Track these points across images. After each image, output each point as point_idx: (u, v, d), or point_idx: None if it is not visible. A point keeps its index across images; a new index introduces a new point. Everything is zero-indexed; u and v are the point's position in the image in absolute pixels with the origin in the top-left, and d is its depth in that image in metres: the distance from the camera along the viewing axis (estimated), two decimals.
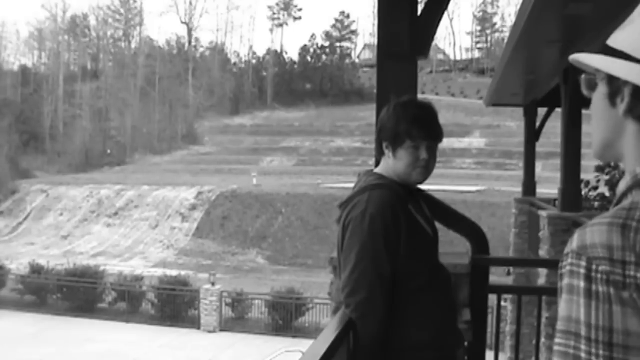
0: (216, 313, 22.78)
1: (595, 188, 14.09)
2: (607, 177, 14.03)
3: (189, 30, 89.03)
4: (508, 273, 13.85)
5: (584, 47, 7.10)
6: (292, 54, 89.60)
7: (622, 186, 1.01)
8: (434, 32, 3.40)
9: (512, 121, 54.82)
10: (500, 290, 3.88)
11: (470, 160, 57.36)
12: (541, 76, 10.08)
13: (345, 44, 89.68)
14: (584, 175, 10.54)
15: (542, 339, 4.09)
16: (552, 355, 0.95)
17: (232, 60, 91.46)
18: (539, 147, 14.25)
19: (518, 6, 7.55)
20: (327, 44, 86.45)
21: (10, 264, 29.65)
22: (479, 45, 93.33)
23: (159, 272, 30.61)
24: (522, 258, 11.54)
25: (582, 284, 0.92)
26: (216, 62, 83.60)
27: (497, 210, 33.90)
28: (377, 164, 2.51)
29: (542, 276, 8.84)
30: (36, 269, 26.44)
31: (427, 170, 2.31)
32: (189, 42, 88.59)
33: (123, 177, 53.38)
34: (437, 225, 2.53)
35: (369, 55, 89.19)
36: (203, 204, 42.55)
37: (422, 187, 2.46)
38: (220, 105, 77.06)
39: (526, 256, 11.84)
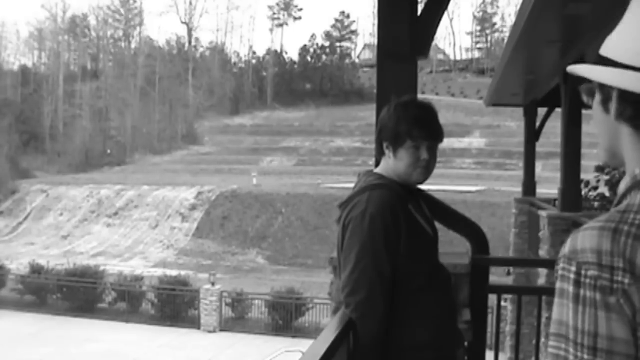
0: (216, 313, 22.78)
1: (595, 188, 14.10)
2: (607, 177, 14.03)
3: (189, 30, 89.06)
4: (508, 273, 13.85)
5: (584, 47, 7.10)
6: (292, 54, 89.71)
7: (622, 187, 1.03)
8: (434, 32, 3.40)
9: (512, 121, 54.82)
10: (500, 290, 3.88)
11: (470, 160, 57.36)
12: (541, 76, 10.08)
13: (345, 44, 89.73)
14: (584, 175, 10.54)
15: (542, 339, 4.09)
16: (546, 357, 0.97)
17: (232, 60, 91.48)
18: (539, 147, 14.25)
19: (518, 6, 7.55)
20: (327, 44, 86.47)
21: (10, 264, 29.65)
22: (479, 45, 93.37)
23: (159, 272, 30.61)
24: (522, 258, 11.54)
25: (571, 288, 0.94)
26: (216, 62, 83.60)
27: (497, 210, 33.90)
28: (377, 164, 2.51)
29: (542, 276, 8.84)
30: (36, 269, 26.44)
31: (427, 170, 2.31)
32: (189, 42, 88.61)
33: (123, 177, 53.38)
34: (437, 225, 2.53)
35: (369, 55, 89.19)
36: (203, 204, 42.55)
37: (422, 187, 2.46)
38: (220, 105, 77.06)
39: (526, 256, 11.84)
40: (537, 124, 12.94)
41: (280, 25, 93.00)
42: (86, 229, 42.50)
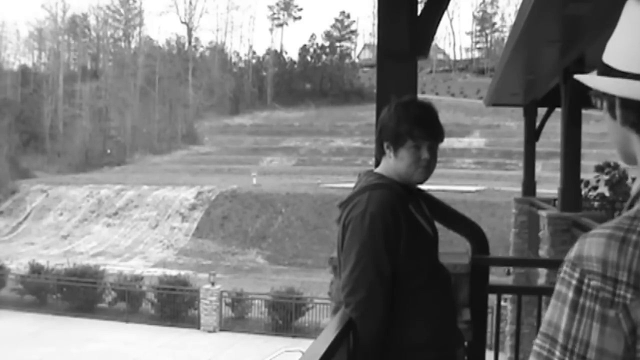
0: (216, 313, 22.78)
1: (595, 188, 14.11)
2: (607, 177, 14.04)
3: (189, 30, 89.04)
4: (508, 273, 13.85)
5: (584, 47, 7.10)
6: (292, 54, 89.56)
7: (634, 189, 1.02)
8: (434, 32, 3.40)
9: (512, 121, 54.81)
10: (500, 290, 3.89)
11: (470, 160, 57.36)
12: (541, 76, 10.08)
13: (345, 44, 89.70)
14: (584, 175, 10.54)
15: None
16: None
17: (232, 60, 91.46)
18: (539, 147, 14.24)
19: (518, 6, 7.55)
20: (327, 44, 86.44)
21: (10, 264, 29.65)
22: (479, 45, 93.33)
23: (159, 272, 30.61)
24: (522, 258, 11.53)
25: (571, 294, 0.93)
26: (216, 62, 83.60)
27: (497, 210, 33.91)
28: (377, 164, 2.51)
29: (542, 276, 8.84)
30: (36, 269, 26.44)
31: (428, 170, 2.31)
32: (189, 42, 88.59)
33: (123, 177, 53.39)
34: (437, 225, 2.53)
35: (369, 55, 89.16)
36: (203, 204, 42.55)
37: (422, 187, 2.46)
38: (220, 105, 77.04)
39: (526, 256, 11.84)
40: (537, 124, 12.94)
41: (280, 25, 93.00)
42: (86, 229, 42.50)
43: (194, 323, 22.95)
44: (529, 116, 13.16)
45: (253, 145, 66.14)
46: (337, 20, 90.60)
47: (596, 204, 13.22)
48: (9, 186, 49.29)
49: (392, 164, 2.32)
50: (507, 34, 57.00)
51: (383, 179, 2.31)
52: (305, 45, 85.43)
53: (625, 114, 1.01)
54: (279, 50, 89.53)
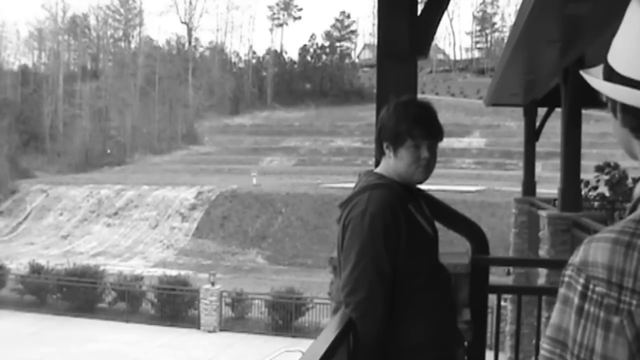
0: (216, 313, 22.79)
1: (595, 188, 14.10)
2: (607, 177, 14.04)
3: (189, 30, 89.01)
4: (508, 273, 13.85)
5: (584, 47, 7.10)
6: (292, 54, 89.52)
7: (637, 191, 1.03)
8: (434, 32, 3.40)
9: (512, 121, 54.80)
10: (500, 290, 3.88)
11: (470, 160, 57.36)
12: (541, 76, 10.07)
13: (345, 44, 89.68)
14: (584, 175, 10.54)
15: (542, 339, 4.09)
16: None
17: (232, 60, 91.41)
18: (539, 147, 14.24)
19: (518, 6, 7.54)
20: (327, 44, 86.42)
21: (10, 264, 29.66)
22: (479, 45, 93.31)
23: (159, 272, 30.61)
24: (522, 258, 11.53)
25: (576, 300, 0.93)
26: (216, 62, 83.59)
27: (497, 210, 33.91)
28: (377, 164, 2.51)
29: (542, 276, 8.83)
30: (36, 269, 26.44)
31: (428, 169, 2.31)
32: (189, 42, 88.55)
33: (123, 177, 53.39)
34: (437, 225, 2.53)
35: (369, 55, 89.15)
36: (203, 204, 42.55)
37: (422, 187, 2.46)
38: (220, 105, 77.03)
39: (526, 256, 11.84)
40: (537, 124, 12.94)
41: (280, 25, 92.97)
42: (86, 229, 42.50)
43: (194, 323, 22.96)
44: (529, 116, 13.16)
45: (253, 145, 66.14)
46: (337, 20, 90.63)
47: (596, 204, 13.22)
48: (9, 186, 49.29)
49: (392, 164, 2.32)
50: (507, 34, 57.03)
51: (383, 178, 2.31)
52: (305, 45, 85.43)
53: (625, 117, 1.02)
54: (279, 50, 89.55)
